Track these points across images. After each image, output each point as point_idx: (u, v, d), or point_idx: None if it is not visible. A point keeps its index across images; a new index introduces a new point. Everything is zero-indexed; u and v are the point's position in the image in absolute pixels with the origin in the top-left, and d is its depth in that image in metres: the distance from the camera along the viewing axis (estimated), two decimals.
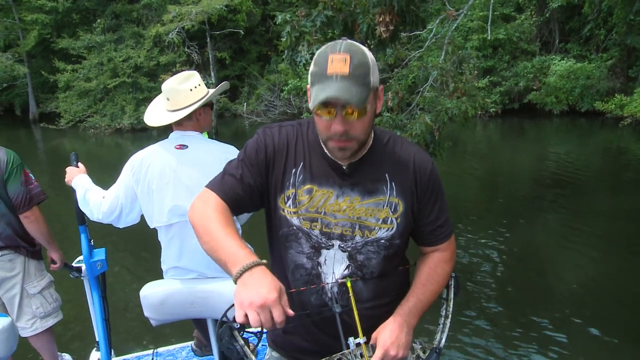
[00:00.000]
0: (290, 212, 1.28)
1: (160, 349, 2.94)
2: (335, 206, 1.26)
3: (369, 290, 1.31)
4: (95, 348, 2.62)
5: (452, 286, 1.40)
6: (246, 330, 1.21)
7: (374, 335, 1.25)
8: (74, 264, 2.48)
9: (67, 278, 2.67)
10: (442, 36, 5.73)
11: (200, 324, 2.43)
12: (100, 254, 2.37)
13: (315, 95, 1.12)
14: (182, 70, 2.20)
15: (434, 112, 5.19)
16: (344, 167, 1.27)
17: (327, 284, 1.28)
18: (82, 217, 2.26)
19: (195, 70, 2.28)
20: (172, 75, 2.14)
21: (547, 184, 8.73)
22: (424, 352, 1.31)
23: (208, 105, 2.17)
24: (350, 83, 1.10)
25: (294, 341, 1.37)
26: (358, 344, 1.22)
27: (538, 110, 15.45)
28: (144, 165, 2.03)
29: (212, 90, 2.16)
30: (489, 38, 13.20)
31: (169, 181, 2.00)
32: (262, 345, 1.36)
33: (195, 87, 2.07)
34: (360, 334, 1.22)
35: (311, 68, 1.17)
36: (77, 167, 2.30)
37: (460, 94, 5.31)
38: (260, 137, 1.31)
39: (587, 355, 3.68)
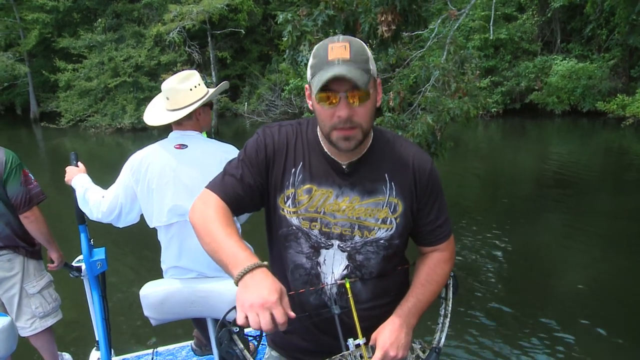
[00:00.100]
0: (290, 212, 1.28)
1: (160, 349, 2.94)
2: (335, 206, 1.26)
3: (368, 291, 1.30)
4: (95, 347, 2.63)
5: (451, 285, 1.40)
6: (245, 333, 1.20)
7: (373, 335, 1.25)
8: (73, 264, 2.48)
9: (67, 278, 2.66)
10: (444, 36, 5.71)
11: (200, 323, 2.42)
12: (100, 253, 2.36)
13: (318, 80, 1.12)
14: (183, 70, 2.19)
15: (436, 112, 5.17)
16: (344, 167, 1.27)
17: (327, 284, 1.27)
18: (81, 217, 2.25)
19: (196, 69, 2.27)
20: (172, 75, 2.13)
21: (549, 184, 8.73)
22: (424, 352, 1.31)
23: (208, 104, 2.17)
24: (352, 66, 1.12)
25: (294, 341, 1.37)
26: (357, 345, 1.22)
27: (539, 110, 15.43)
28: (144, 164, 2.03)
29: (211, 90, 2.15)
30: (491, 38, 13.19)
31: (168, 181, 2.00)
32: (262, 345, 1.35)
33: (195, 87, 2.07)
34: (360, 335, 1.21)
35: (310, 62, 1.18)
36: (77, 166, 2.29)
37: (462, 94, 5.29)
38: (260, 137, 1.31)
39: (593, 355, 3.68)
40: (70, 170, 2.27)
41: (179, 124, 2.09)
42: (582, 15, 15.28)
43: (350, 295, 1.24)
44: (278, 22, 4.79)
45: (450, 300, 1.38)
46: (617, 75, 14.73)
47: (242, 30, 18.00)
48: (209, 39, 17.97)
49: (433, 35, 5.69)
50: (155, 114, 2.13)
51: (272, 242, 1.37)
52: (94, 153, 14.94)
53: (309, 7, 4.72)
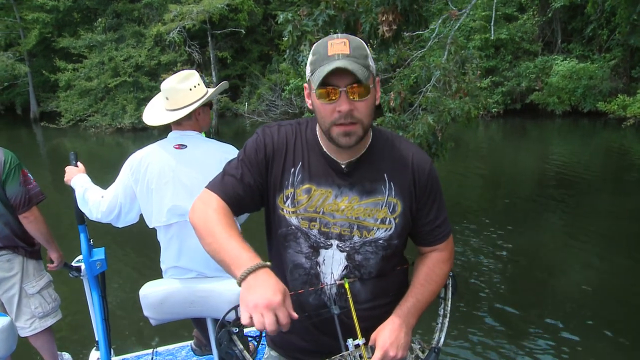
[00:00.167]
0: (289, 212, 1.27)
1: (160, 349, 2.94)
2: (334, 206, 1.26)
3: (367, 291, 1.30)
4: (94, 347, 2.62)
5: (450, 286, 1.40)
6: (245, 333, 1.20)
7: (373, 335, 1.25)
8: (73, 264, 2.48)
9: (66, 278, 2.66)
10: (444, 36, 5.70)
11: (199, 323, 2.42)
12: (99, 253, 2.36)
13: (319, 75, 1.12)
14: (183, 70, 2.19)
15: (437, 113, 5.17)
16: (343, 167, 1.27)
17: (326, 284, 1.27)
18: (81, 217, 2.25)
19: (196, 69, 2.27)
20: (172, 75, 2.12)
21: (550, 184, 8.73)
22: (423, 352, 1.31)
23: (207, 104, 2.16)
24: (352, 60, 1.12)
25: (293, 341, 1.37)
26: (357, 345, 1.21)
27: (540, 110, 15.41)
28: (143, 164, 2.02)
29: (211, 90, 2.14)
30: (492, 38, 13.16)
31: (168, 181, 1.99)
32: (262, 345, 1.36)
33: (195, 87, 2.06)
34: (359, 335, 1.21)
35: (310, 59, 1.18)
36: (76, 166, 2.29)
37: (463, 94, 5.29)
38: (260, 137, 1.31)
39: (596, 355, 3.68)
40: (69, 170, 2.27)
41: (179, 124, 2.09)
42: (583, 16, 15.26)
43: (349, 296, 1.24)
44: (278, 22, 4.78)
45: (449, 300, 1.38)
46: (618, 76, 14.71)
47: (242, 30, 17.98)
48: (209, 38, 17.96)
49: (434, 35, 5.68)
50: (155, 114, 2.12)
51: (271, 242, 1.37)
52: (94, 153, 14.95)
53: (310, 7, 4.71)
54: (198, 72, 2.18)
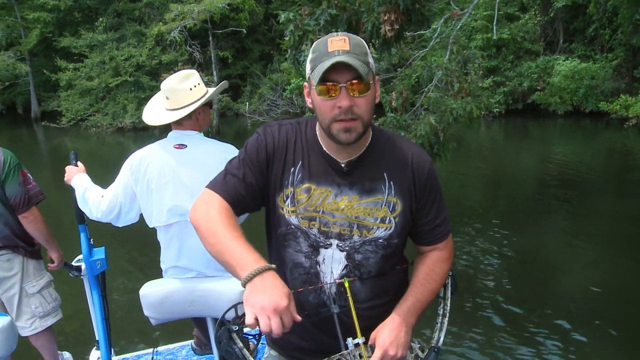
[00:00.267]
0: (289, 211, 1.27)
1: (160, 348, 2.94)
2: (334, 205, 1.26)
3: (367, 290, 1.30)
4: (95, 347, 2.62)
5: (450, 285, 1.40)
6: (245, 332, 1.19)
7: (372, 335, 1.24)
8: (73, 263, 2.48)
9: (67, 277, 2.66)
10: (446, 36, 5.68)
11: (200, 323, 2.42)
12: (99, 252, 2.36)
13: (319, 70, 1.12)
14: (183, 69, 2.18)
15: (439, 113, 5.15)
16: (343, 166, 1.26)
17: (326, 284, 1.27)
18: (81, 216, 2.25)
19: (197, 69, 2.27)
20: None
21: (552, 184, 8.72)
22: (423, 352, 1.31)
23: (207, 104, 2.16)
24: (352, 56, 1.13)
25: (293, 340, 1.36)
26: (357, 344, 1.21)
27: (542, 110, 15.40)
28: (143, 164, 2.02)
29: (211, 89, 2.14)
30: (494, 38, 13.15)
31: (168, 181, 1.99)
32: (262, 344, 1.35)
33: (195, 86, 2.06)
34: (359, 334, 1.21)
35: (310, 57, 1.19)
36: (77, 165, 2.29)
37: (465, 94, 5.27)
38: (261, 136, 1.30)
39: (602, 356, 3.67)
40: (69, 169, 2.26)
41: (179, 123, 2.09)
42: (585, 15, 15.24)
43: (349, 295, 1.24)
44: (280, 22, 4.77)
45: (449, 299, 1.38)
46: (620, 76, 14.68)
47: (243, 30, 18.00)
48: (210, 38, 17.97)
49: (436, 35, 5.67)
50: (155, 113, 2.12)
51: (271, 241, 1.37)
52: (95, 152, 14.96)
53: (311, 7, 4.70)
54: (199, 71, 2.18)
